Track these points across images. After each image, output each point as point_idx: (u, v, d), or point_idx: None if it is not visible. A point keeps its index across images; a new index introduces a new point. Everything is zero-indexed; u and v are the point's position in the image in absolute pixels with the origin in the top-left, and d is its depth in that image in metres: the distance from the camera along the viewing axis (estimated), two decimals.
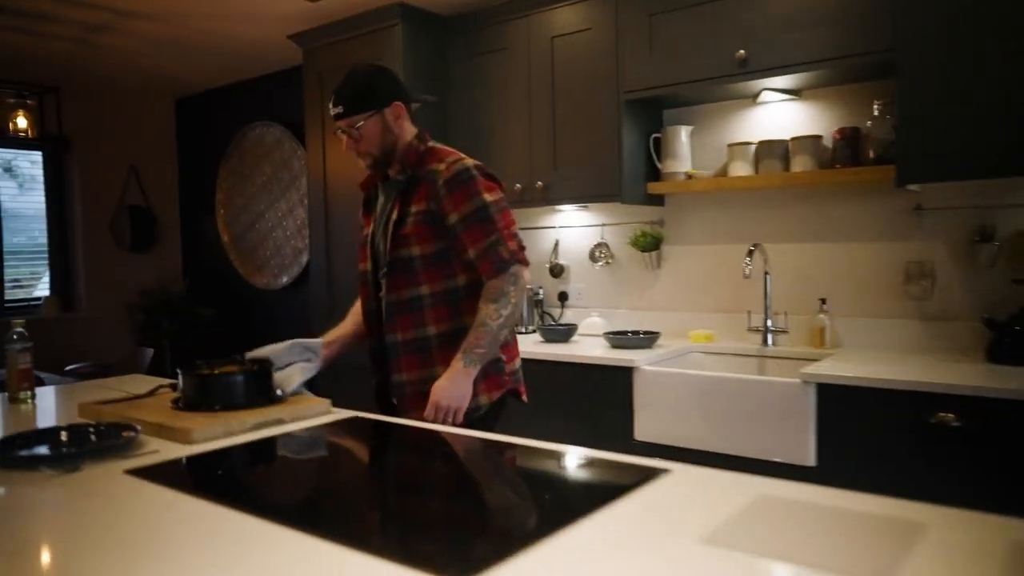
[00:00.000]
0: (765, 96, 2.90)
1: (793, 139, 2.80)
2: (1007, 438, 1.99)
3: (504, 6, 3.26)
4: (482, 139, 3.36)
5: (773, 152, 2.84)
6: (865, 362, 2.43)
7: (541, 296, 3.58)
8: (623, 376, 2.69)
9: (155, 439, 1.56)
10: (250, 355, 1.87)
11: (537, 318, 3.55)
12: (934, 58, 2.28)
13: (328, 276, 3.76)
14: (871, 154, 2.64)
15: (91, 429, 1.54)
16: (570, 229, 3.55)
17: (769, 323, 2.88)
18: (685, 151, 3.04)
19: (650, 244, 3.18)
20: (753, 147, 2.91)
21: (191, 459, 1.42)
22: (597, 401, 2.76)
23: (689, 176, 3.03)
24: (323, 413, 1.78)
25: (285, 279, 4.80)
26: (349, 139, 1.92)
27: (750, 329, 2.95)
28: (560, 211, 3.55)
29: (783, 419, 2.36)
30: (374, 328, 2.02)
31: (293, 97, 4.60)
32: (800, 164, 2.78)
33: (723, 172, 3.04)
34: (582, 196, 3.08)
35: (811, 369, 2.33)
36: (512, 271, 1.86)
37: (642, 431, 2.65)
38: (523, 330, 3.46)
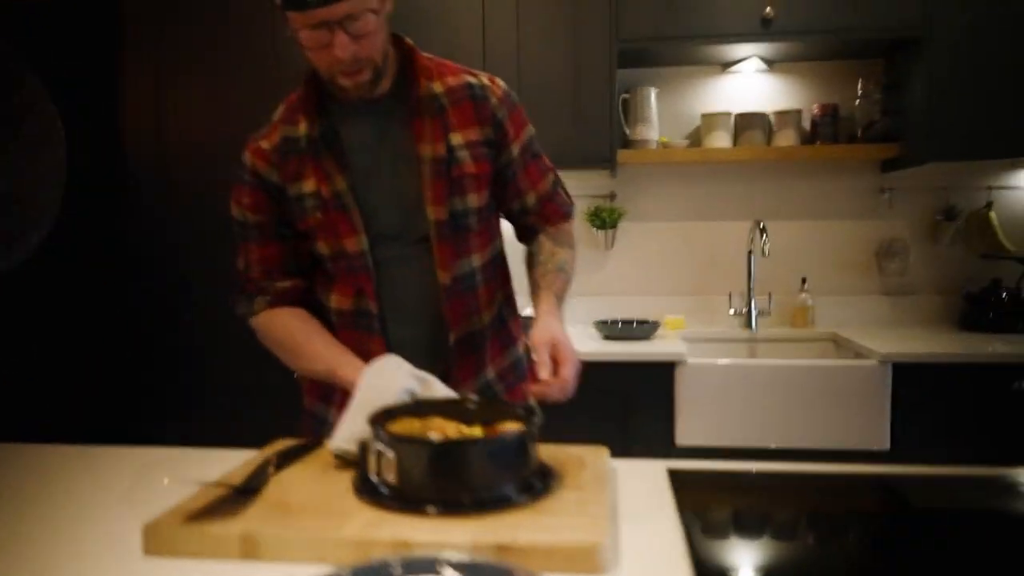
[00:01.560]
0: (744, 65, 2.74)
1: (777, 112, 2.69)
2: None
3: None
4: None
5: (755, 124, 2.69)
6: (881, 338, 2.42)
7: None
8: (663, 372, 2.28)
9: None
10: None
11: None
12: (960, 42, 2.35)
13: (176, 258, 2.56)
14: (859, 133, 2.65)
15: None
16: None
17: (753, 304, 2.73)
18: (655, 117, 2.72)
19: (612, 221, 2.79)
20: (732, 118, 2.72)
21: None
22: (624, 404, 2.30)
23: (664, 145, 2.72)
24: (610, 469, 1.10)
25: None
26: (345, 38, 1.10)
27: (734, 313, 2.77)
28: None
29: (855, 403, 2.22)
30: (364, 334, 1.28)
31: None
32: (784, 139, 2.68)
33: (695, 142, 2.80)
34: (564, 161, 2.54)
35: (886, 348, 2.23)
36: (574, 217, 1.48)
37: (686, 434, 2.28)
38: None
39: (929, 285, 2.76)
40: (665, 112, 2.81)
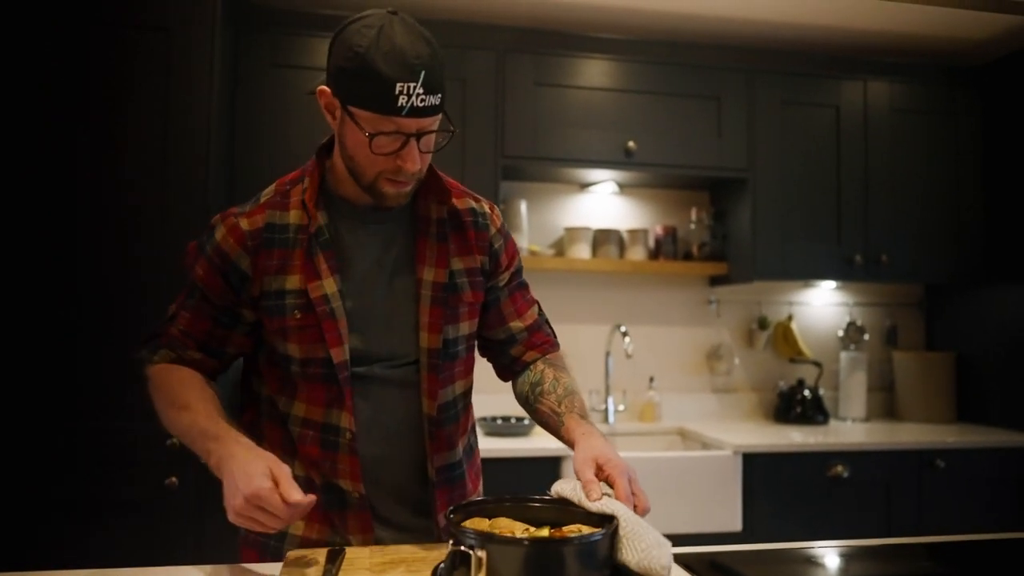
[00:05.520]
0: (599, 187, 3.09)
1: (629, 230, 3.06)
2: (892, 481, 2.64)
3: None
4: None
5: (610, 239, 3.03)
6: (727, 432, 2.78)
7: None
8: (548, 466, 2.42)
9: None
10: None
11: None
12: (774, 184, 2.89)
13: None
14: (695, 251, 3.09)
15: None
16: None
17: (610, 401, 2.99)
18: (525, 226, 2.96)
19: None
20: (592, 232, 3.04)
21: None
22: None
23: (533, 253, 2.95)
24: None
25: None
26: (417, 150, 1.12)
27: (592, 409, 3.00)
28: None
29: (712, 490, 2.51)
30: (329, 452, 1.21)
31: None
32: (634, 253, 3.04)
33: (559, 252, 3.06)
34: None
35: (733, 440, 2.57)
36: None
37: None
38: None
39: (748, 384, 3.22)
40: (532, 223, 3.07)
